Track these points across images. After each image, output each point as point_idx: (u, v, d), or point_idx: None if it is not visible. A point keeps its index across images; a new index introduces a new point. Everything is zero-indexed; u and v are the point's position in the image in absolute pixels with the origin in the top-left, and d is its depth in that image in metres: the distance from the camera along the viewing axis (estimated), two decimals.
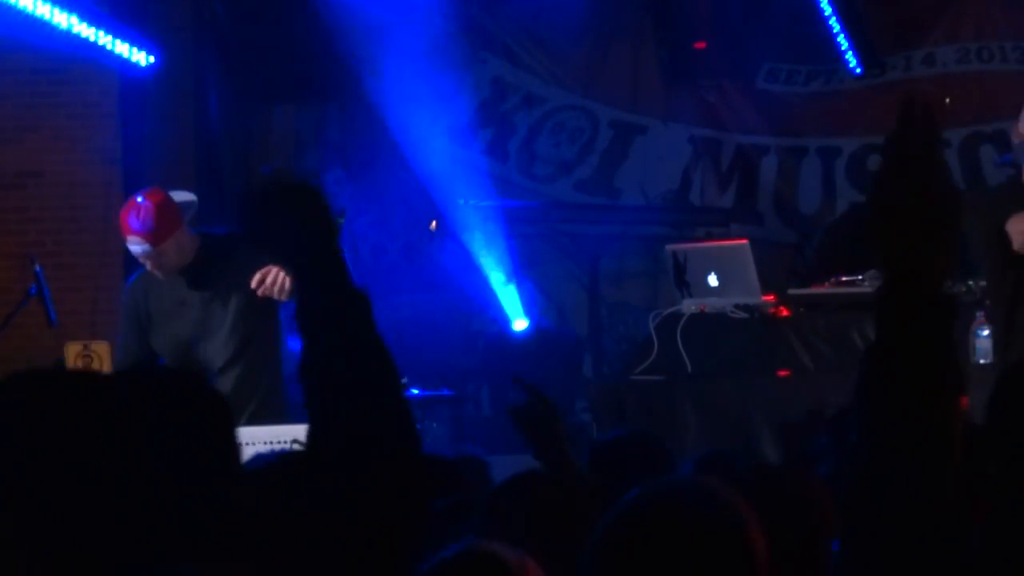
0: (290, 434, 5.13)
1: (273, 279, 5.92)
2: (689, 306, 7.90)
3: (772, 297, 7.88)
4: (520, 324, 9.74)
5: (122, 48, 8.68)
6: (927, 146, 2.11)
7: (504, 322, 9.89)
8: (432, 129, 10.26)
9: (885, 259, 2.06)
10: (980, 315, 7.42)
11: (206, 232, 6.44)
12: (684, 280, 8.01)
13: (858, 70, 9.86)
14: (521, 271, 10.29)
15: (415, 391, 7.92)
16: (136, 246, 6.19)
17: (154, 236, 6.15)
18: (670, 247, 8.31)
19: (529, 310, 9.83)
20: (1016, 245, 5.44)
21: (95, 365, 8.05)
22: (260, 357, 6.18)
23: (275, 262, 2.54)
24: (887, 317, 2.04)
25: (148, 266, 6.23)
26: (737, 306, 7.77)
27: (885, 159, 2.12)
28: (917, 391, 2.00)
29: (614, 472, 3.83)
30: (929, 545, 1.98)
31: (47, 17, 7.86)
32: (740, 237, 8.98)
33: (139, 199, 6.24)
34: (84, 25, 8.22)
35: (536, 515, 3.02)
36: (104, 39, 8.46)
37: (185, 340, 6.19)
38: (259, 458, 2.68)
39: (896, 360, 2.01)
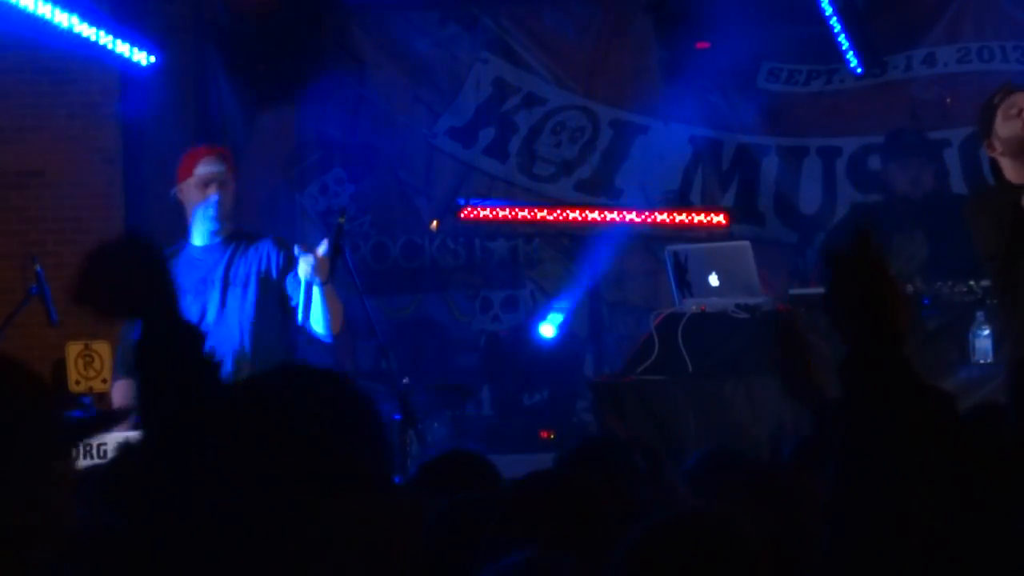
0: None
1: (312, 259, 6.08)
2: (689, 306, 7.90)
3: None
4: (548, 330, 9.72)
5: (123, 48, 8.69)
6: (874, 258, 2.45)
7: (532, 324, 9.84)
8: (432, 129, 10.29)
9: (845, 334, 2.35)
10: (981, 315, 7.43)
11: (241, 226, 6.60)
12: (684, 280, 8.01)
13: (858, 70, 9.87)
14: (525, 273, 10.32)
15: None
16: (212, 166, 6.32)
17: (228, 162, 6.39)
18: (670, 247, 8.31)
19: (564, 322, 9.79)
20: None
21: (95, 365, 8.06)
22: (268, 348, 6.23)
23: (112, 313, 2.67)
24: (852, 382, 2.31)
25: (214, 190, 6.34)
26: (738, 306, 7.77)
27: (837, 265, 2.46)
28: (888, 445, 2.18)
29: (438, 487, 3.81)
30: None
31: (48, 17, 7.87)
32: (740, 237, 9.00)
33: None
34: (85, 25, 8.23)
35: (555, 513, 3.03)
36: (105, 39, 8.47)
37: (198, 320, 6.23)
38: None
39: (864, 420, 2.21)
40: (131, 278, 2.54)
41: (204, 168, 6.35)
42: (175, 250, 6.41)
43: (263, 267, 6.36)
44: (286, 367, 2.16)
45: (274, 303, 6.34)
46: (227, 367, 6.13)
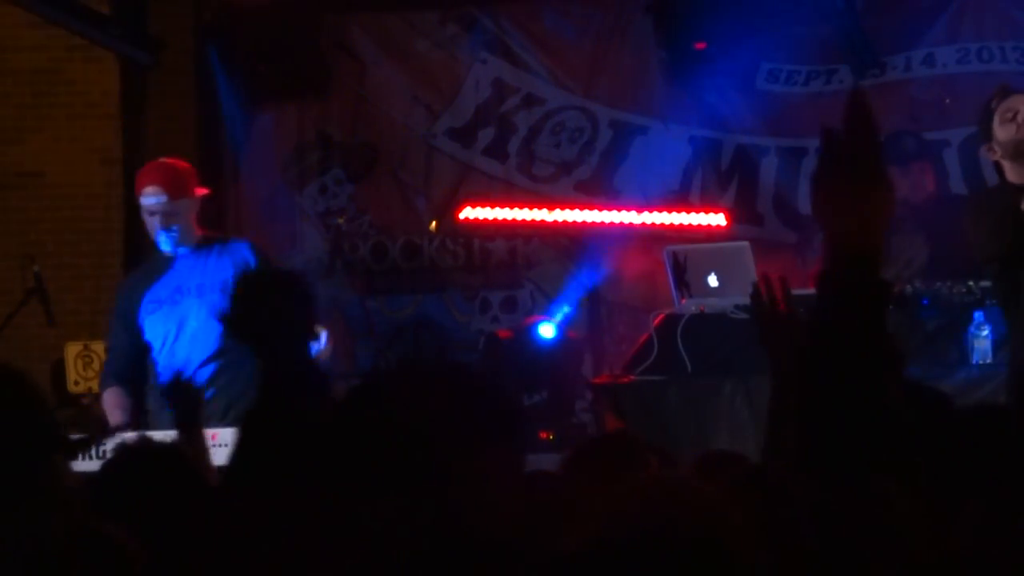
0: None
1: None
2: (689, 306, 7.90)
3: None
4: (547, 330, 9.71)
5: (122, 48, 8.70)
6: (873, 143, 2.35)
7: (533, 323, 9.83)
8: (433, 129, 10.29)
9: (828, 236, 2.31)
10: (980, 315, 7.43)
11: (210, 231, 6.49)
12: (683, 280, 8.01)
13: (858, 70, 9.86)
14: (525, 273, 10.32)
15: None
16: (151, 198, 6.19)
17: (171, 189, 6.15)
18: (670, 247, 8.31)
19: (563, 322, 9.78)
20: None
21: (95, 365, 8.06)
22: (241, 359, 6.14)
23: (245, 341, 2.61)
24: (828, 294, 2.29)
25: (157, 223, 6.22)
26: (737, 306, 7.77)
27: (831, 151, 2.37)
28: (854, 364, 2.16)
29: None
30: None
31: (47, 17, 7.88)
32: (740, 238, 9.00)
33: (162, 159, 6.31)
34: (85, 25, 8.24)
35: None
36: (105, 39, 8.48)
37: (173, 330, 6.20)
38: None
39: (836, 335, 2.17)
40: (279, 316, 2.51)
41: (144, 201, 6.22)
42: (151, 261, 6.38)
43: (240, 271, 6.30)
44: (410, 364, 2.15)
45: None
46: (208, 373, 6.12)
